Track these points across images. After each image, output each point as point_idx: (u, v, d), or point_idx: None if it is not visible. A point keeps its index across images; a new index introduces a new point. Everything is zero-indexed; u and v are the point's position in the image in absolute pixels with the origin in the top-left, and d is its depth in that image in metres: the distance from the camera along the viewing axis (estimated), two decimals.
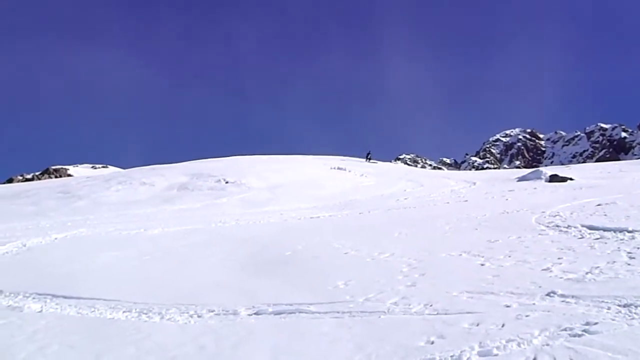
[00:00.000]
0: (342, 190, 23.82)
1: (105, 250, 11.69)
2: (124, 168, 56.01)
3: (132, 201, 23.14)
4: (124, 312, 6.87)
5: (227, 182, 25.94)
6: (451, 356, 4.22)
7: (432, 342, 4.61)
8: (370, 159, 43.49)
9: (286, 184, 25.67)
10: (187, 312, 6.59)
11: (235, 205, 20.95)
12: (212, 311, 6.53)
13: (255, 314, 6.28)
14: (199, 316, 6.41)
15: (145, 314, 6.70)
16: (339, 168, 32.01)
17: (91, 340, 5.79)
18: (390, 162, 35.38)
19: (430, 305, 5.75)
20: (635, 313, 4.72)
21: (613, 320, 4.60)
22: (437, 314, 5.45)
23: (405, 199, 19.85)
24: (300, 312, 6.09)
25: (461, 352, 4.27)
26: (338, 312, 5.91)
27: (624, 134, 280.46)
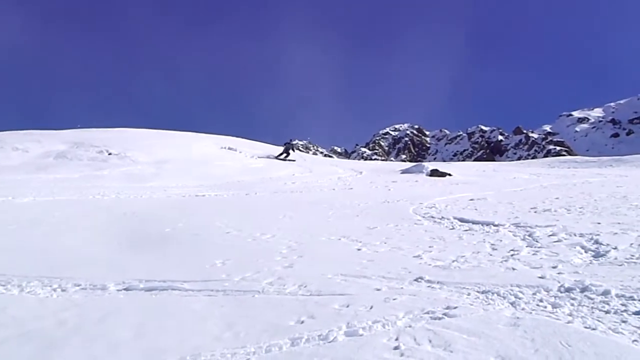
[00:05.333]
0: (230, 171, 23.52)
1: None
2: None
3: (2, 167, 21.43)
4: None
5: (110, 154, 24.71)
6: (319, 335, 4.28)
7: (302, 322, 4.65)
8: (289, 150, 32.00)
9: (173, 160, 24.90)
10: (51, 285, 6.18)
11: (117, 178, 20.00)
12: (78, 285, 6.18)
13: (124, 289, 6.02)
14: (63, 290, 6.04)
15: (3, 285, 6.21)
16: (229, 148, 31.55)
17: None
18: (282, 146, 35.26)
19: (305, 287, 5.81)
20: (491, 299, 5.05)
21: (471, 305, 4.90)
22: (310, 295, 5.52)
23: (293, 183, 19.99)
24: (172, 289, 5.92)
25: (329, 331, 4.35)
26: (212, 291, 5.82)
27: (500, 137, 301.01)
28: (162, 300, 5.59)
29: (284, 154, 31.49)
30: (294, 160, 30.72)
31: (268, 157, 30.52)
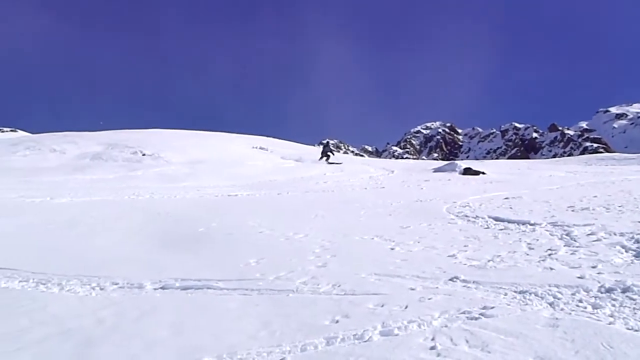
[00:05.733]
0: (262, 170, 23.66)
1: (5, 217, 11.05)
2: (33, 133, 53.04)
3: (40, 168, 21.98)
4: (20, 281, 6.50)
5: (144, 155, 25.14)
6: (354, 335, 4.28)
7: (337, 321, 4.65)
8: (328, 153, 30.35)
9: (206, 160, 25.19)
10: (89, 284, 6.32)
11: (151, 178, 20.32)
12: (116, 284, 6.31)
13: (161, 288, 6.11)
14: (101, 288, 6.17)
15: (44, 284, 6.38)
16: (261, 148, 31.78)
17: None
18: (314, 146, 35.58)
19: (339, 286, 5.81)
20: (529, 299, 4.97)
21: (508, 305, 4.82)
22: (345, 294, 5.51)
23: (325, 182, 19.99)
24: (208, 288, 5.99)
25: (364, 331, 4.34)
26: (247, 290, 5.86)
27: (535, 135, 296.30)
28: (198, 299, 5.66)
29: (325, 157, 29.79)
30: (340, 163, 28.96)
31: (299, 159, 29.80)
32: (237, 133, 42.15)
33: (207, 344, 4.32)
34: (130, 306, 5.45)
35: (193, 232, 9.78)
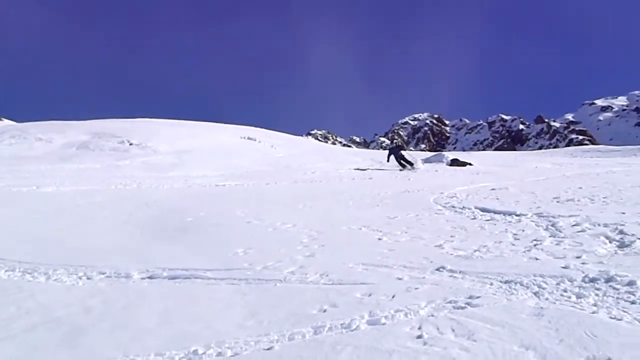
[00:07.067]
0: (250, 160, 23.62)
1: None
2: (19, 122, 52.48)
3: (26, 157, 21.77)
4: (5, 271, 6.45)
5: (131, 144, 24.97)
6: (341, 324, 4.30)
7: (325, 311, 4.68)
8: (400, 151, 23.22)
9: (194, 150, 25.08)
10: (76, 274, 6.29)
11: (138, 168, 20.23)
12: (103, 273, 6.28)
13: (148, 277, 6.10)
14: (88, 278, 6.14)
15: (30, 273, 6.34)
16: (249, 138, 31.69)
17: None
18: (302, 136, 35.54)
19: (326, 276, 5.83)
20: (514, 289, 5.02)
21: (494, 294, 4.87)
22: (332, 284, 5.54)
23: (313, 173, 20.02)
24: (195, 278, 5.99)
25: (351, 320, 4.36)
26: (235, 279, 5.86)
27: (521, 126, 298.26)
28: (186, 289, 5.65)
29: (402, 162, 22.53)
30: (413, 168, 22.10)
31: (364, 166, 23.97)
32: (225, 123, 41.93)
33: (196, 332, 4.33)
34: (118, 295, 5.44)
35: (181, 221, 9.76)
